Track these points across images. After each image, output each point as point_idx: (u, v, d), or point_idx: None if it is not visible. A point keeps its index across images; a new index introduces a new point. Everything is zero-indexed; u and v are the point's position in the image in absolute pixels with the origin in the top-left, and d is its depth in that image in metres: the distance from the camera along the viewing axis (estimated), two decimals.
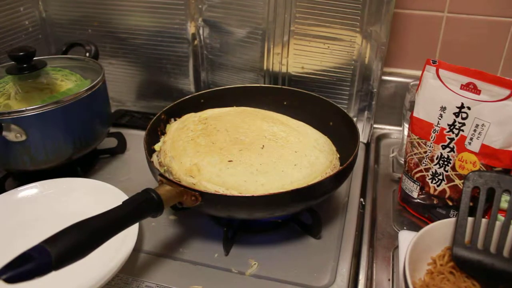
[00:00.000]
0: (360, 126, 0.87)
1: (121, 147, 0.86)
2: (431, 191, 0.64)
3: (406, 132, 0.72)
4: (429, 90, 0.62)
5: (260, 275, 0.59)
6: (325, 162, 0.63)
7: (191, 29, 0.89)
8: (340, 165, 0.67)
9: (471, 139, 0.58)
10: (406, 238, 0.54)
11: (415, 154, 0.65)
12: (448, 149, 0.61)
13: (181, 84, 0.96)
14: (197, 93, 0.80)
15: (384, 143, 0.90)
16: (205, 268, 0.60)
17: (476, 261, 0.51)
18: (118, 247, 0.57)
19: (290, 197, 0.55)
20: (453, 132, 0.60)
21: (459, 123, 0.59)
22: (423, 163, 0.64)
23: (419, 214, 0.68)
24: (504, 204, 0.67)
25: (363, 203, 0.73)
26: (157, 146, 0.70)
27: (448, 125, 0.60)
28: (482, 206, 0.54)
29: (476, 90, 0.57)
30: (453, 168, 0.61)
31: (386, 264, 0.61)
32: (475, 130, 0.57)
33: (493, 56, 0.85)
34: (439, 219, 0.55)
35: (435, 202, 0.65)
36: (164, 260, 0.61)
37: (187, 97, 0.78)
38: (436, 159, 0.62)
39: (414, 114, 0.64)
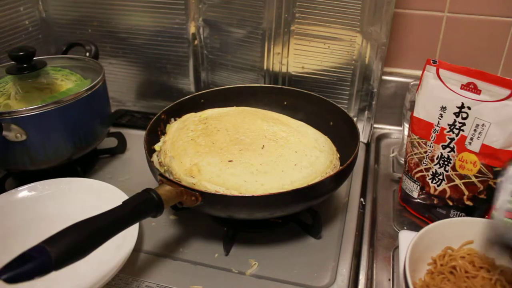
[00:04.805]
0: (360, 126, 0.87)
1: (121, 147, 0.86)
2: (431, 191, 0.64)
3: (406, 132, 0.72)
4: (430, 90, 0.62)
5: (260, 275, 0.59)
6: (325, 162, 0.63)
7: (191, 29, 0.89)
8: (340, 165, 0.67)
9: (471, 139, 0.58)
10: (406, 238, 0.54)
11: (415, 154, 0.65)
12: (448, 149, 0.61)
13: (181, 84, 0.96)
14: (197, 93, 0.80)
15: (384, 143, 0.90)
16: (205, 268, 0.60)
17: None
18: (118, 247, 0.57)
19: (290, 197, 0.55)
20: (453, 132, 0.60)
21: (459, 123, 0.59)
22: (423, 163, 0.64)
23: (419, 214, 0.68)
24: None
25: (363, 203, 0.73)
26: (157, 146, 0.70)
27: (449, 125, 0.60)
28: None
29: (476, 90, 0.57)
30: (454, 168, 0.61)
31: (386, 264, 0.61)
32: (475, 130, 0.57)
33: (493, 56, 0.85)
34: (440, 219, 0.55)
35: (435, 202, 0.65)
36: (164, 260, 0.61)
37: (187, 97, 0.78)
38: (436, 159, 0.62)
39: (415, 114, 0.64)
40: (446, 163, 0.61)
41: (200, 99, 0.80)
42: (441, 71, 0.60)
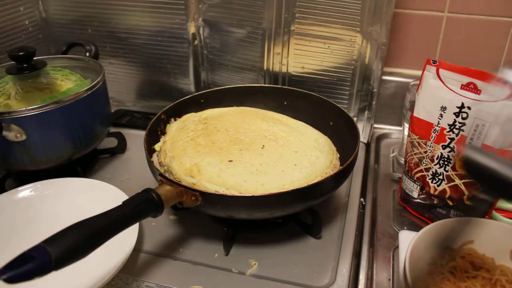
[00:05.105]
0: (360, 126, 0.87)
1: (121, 147, 0.86)
2: (431, 191, 0.64)
3: (406, 132, 0.72)
4: (430, 90, 0.62)
5: (260, 275, 0.59)
6: (325, 162, 0.63)
7: (191, 29, 0.89)
8: (340, 165, 0.67)
9: (471, 139, 0.58)
10: (406, 238, 0.54)
11: (415, 154, 0.65)
12: (448, 149, 0.61)
13: (181, 84, 0.96)
14: (197, 93, 0.80)
15: (384, 143, 0.90)
16: (205, 268, 0.60)
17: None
18: (118, 247, 0.57)
19: (290, 197, 0.55)
20: (453, 132, 0.60)
21: (460, 123, 0.59)
22: (423, 163, 0.64)
23: (419, 214, 0.68)
24: (503, 204, 0.67)
25: (363, 203, 0.73)
26: (157, 146, 0.70)
27: (449, 125, 0.60)
28: None
29: (476, 90, 0.57)
30: (454, 168, 0.61)
31: (386, 264, 0.61)
32: (475, 130, 0.57)
33: (493, 56, 0.85)
34: (440, 219, 0.55)
35: (435, 202, 0.65)
36: (164, 260, 0.61)
37: (187, 97, 0.78)
38: (437, 159, 0.62)
39: (415, 114, 0.64)
40: (446, 163, 0.61)
41: (200, 99, 0.80)
42: (441, 71, 0.60)
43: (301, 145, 0.65)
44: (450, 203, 0.63)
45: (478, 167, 0.43)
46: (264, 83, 0.90)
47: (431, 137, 0.62)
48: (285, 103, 0.81)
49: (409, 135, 0.66)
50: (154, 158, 0.68)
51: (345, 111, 0.73)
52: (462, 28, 0.84)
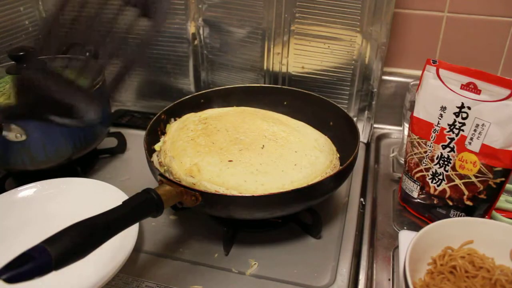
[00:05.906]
0: (360, 126, 0.87)
1: (121, 147, 0.86)
2: (431, 191, 0.64)
3: (406, 132, 0.72)
4: (429, 90, 0.62)
5: (260, 275, 0.59)
6: (325, 162, 0.63)
7: (191, 29, 0.89)
8: (340, 165, 0.67)
9: (471, 139, 0.58)
10: (406, 238, 0.54)
11: (415, 154, 0.65)
12: (448, 149, 0.61)
13: (181, 84, 0.96)
14: (197, 93, 0.80)
15: (384, 143, 0.90)
16: (205, 268, 0.60)
17: None
18: (118, 247, 0.57)
19: (290, 197, 0.55)
20: (453, 132, 0.60)
21: (459, 123, 0.59)
22: (423, 163, 0.64)
23: (419, 214, 0.68)
24: (503, 204, 0.67)
25: (363, 203, 0.73)
26: (157, 146, 0.70)
27: (448, 125, 0.60)
28: None
29: (476, 90, 0.57)
30: (453, 168, 0.61)
31: (386, 264, 0.61)
32: (475, 130, 0.57)
33: (493, 56, 0.85)
34: (439, 219, 0.55)
35: (435, 202, 0.65)
36: (164, 260, 0.61)
37: (187, 97, 0.78)
38: (436, 159, 0.62)
39: (414, 114, 0.64)
40: (446, 163, 0.61)
41: (200, 99, 0.80)
42: (441, 71, 0.60)
43: (301, 145, 0.65)
44: (450, 203, 0.63)
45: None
46: (264, 83, 0.90)
47: (431, 137, 0.62)
48: (285, 103, 0.81)
49: (409, 135, 0.66)
50: (154, 158, 0.68)
51: (345, 111, 0.73)
52: (462, 28, 0.84)
